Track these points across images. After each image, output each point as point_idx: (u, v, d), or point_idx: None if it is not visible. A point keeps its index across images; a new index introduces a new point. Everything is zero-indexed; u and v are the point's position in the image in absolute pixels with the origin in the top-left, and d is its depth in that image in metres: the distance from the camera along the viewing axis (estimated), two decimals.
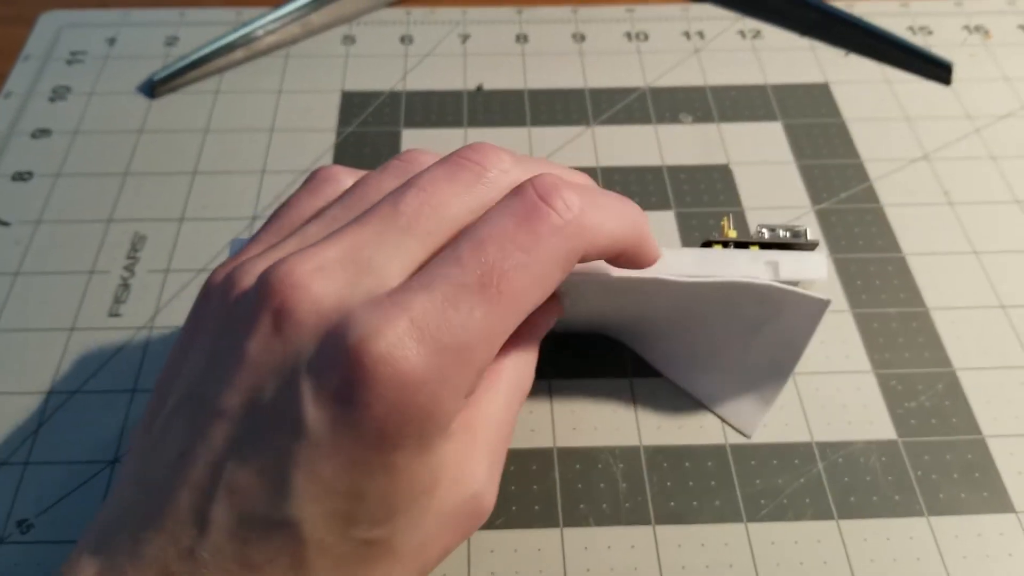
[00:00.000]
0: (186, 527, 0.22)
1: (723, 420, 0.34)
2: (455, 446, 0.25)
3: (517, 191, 0.24)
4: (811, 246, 0.31)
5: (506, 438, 0.27)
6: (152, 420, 0.25)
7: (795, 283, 0.30)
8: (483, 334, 0.23)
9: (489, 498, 0.26)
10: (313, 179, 0.28)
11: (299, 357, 0.22)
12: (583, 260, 0.25)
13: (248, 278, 0.24)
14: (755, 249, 0.31)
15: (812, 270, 0.30)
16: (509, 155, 0.26)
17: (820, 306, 0.30)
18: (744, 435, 0.33)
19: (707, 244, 0.31)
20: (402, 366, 0.21)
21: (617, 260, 0.27)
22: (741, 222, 0.40)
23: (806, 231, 0.31)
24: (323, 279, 0.23)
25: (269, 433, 0.22)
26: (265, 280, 0.23)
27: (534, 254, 0.23)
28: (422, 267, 0.24)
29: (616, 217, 0.26)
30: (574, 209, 0.24)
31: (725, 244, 0.31)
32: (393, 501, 0.23)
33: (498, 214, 0.24)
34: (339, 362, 0.22)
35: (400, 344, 0.22)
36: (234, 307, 0.24)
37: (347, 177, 0.28)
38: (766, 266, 0.30)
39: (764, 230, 0.32)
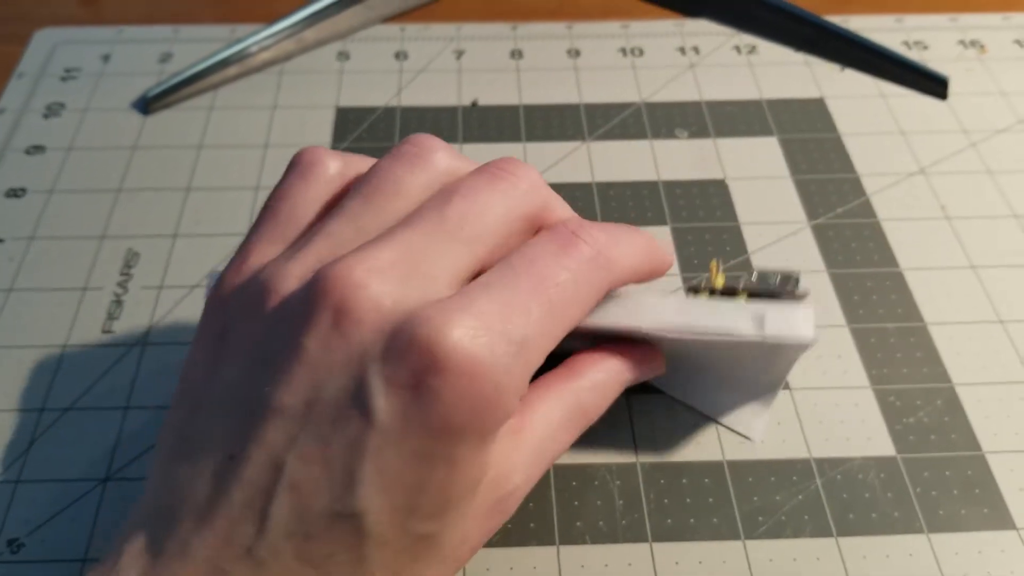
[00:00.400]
0: (242, 526, 0.22)
1: (728, 428, 0.33)
2: (500, 446, 0.25)
3: (554, 228, 0.27)
4: (800, 297, 0.31)
5: (553, 450, 0.28)
6: (184, 427, 0.25)
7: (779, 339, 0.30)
8: (538, 333, 0.24)
9: (518, 498, 0.27)
10: (299, 164, 0.28)
11: (365, 352, 0.23)
12: (609, 290, 0.27)
13: (285, 280, 0.25)
14: (742, 298, 0.31)
15: (799, 327, 0.30)
16: (537, 172, 0.28)
17: (804, 346, 0.30)
18: (751, 439, 0.33)
19: (693, 290, 0.32)
20: (472, 357, 0.23)
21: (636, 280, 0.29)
22: (737, 237, 0.40)
23: (798, 279, 0.31)
24: (381, 279, 0.23)
25: (334, 427, 0.23)
26: (320, 280, 0.24)
27: (575, 275, 0.26)
28: (471, 274, 0.25)
29: (634, 250, 0.28)
30: (600, 244, 0.27)
31: (712, 291, 0.31)
32: (449, 494, 0.24)
33: (541, 241, 0.26)
34: (411, 352, 0.22)
35: (469, 336, 0.23)
36: (278, 309, 0.24)
37: (332, 160, 0.28)
38: (752, 321, 0.30)
39: (755, 275, 0.31)
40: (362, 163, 0.29)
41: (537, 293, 0.25)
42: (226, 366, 0.25)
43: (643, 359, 0.31)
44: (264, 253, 0.26)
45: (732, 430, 0.34)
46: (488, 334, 0.23)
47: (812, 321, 0.30)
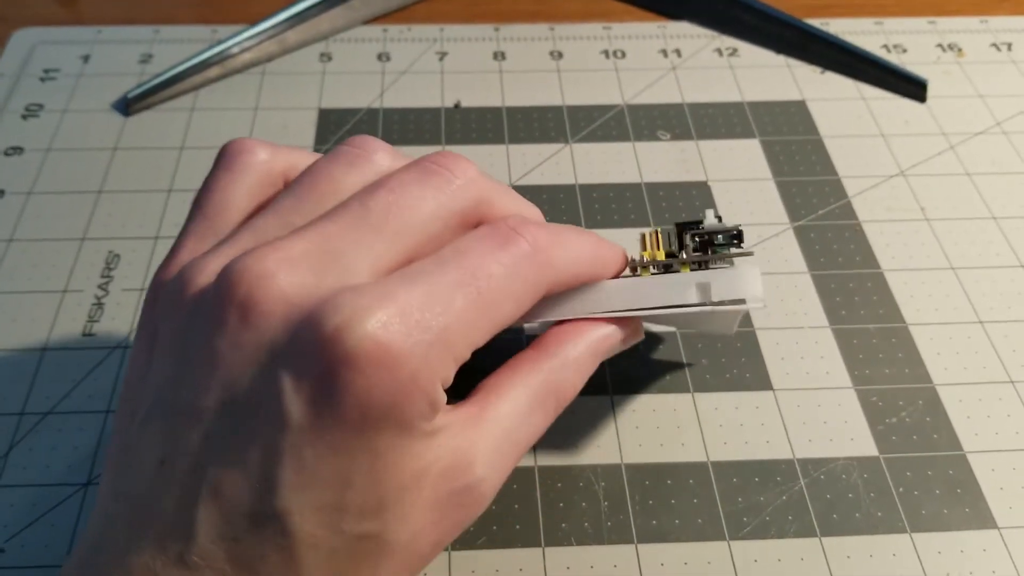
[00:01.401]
0: (173, 534, 0.22)
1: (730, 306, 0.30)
2: (451, 437, 0.24)
3: (493, 223, 0.26)
4: (746, 255, 0.30)
5: (525, 436, 0.27)
6: (124, 434, 0.24)
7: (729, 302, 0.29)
8: (461, 322, 0.23)
9: (485, 491, 0.25)
10: (225, 155, 0.27)
11: (272, 347, 0.22)
12: (549, 291, 0.27)
13: (202, 275, 0.24)
14: (685, 271, 0.30)
15: (747, 288, 0.29)
16: (475, 167, 0.27)
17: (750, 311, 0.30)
18: (762, 306, 0.29)
19: (633, 268, 0.31)
20: (384, 346, 0.22)
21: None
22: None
23: (740, 233, 0.30)
24: (290, 270, 0.23)
25: (248, 428, 0.22)
26: (227, 273, 0.23)
27: (510, 270, 0.25)
28: (395, 269, 0.24)
29: (579, 251, 0.28)
30: (540, 242, 0.26)
31: (656, 266, 0.30)
32: (380, 490, 0.23)
33: (476, 235, 0.25)
34: (317, 347, 0.22)
35: (381, 324, 0.22)
36: (194, 306, 0.24)
37: (259, 149, 0.27)
38: (697, 289, 0.29)
39: (696, 238, 0.30)
40: (291, 153, 0.28)
41: (463, 284, 0.24)
42: (155, 368, 0.24)
43: (619, 326, 0.29)
44: (193, 250, 0.26)
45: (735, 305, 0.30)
46: (402, 322, 0.22)
47: (759, 280, 0.29)
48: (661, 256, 0.31)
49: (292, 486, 0.22)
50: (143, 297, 0.37)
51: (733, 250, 0.30)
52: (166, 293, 0.25)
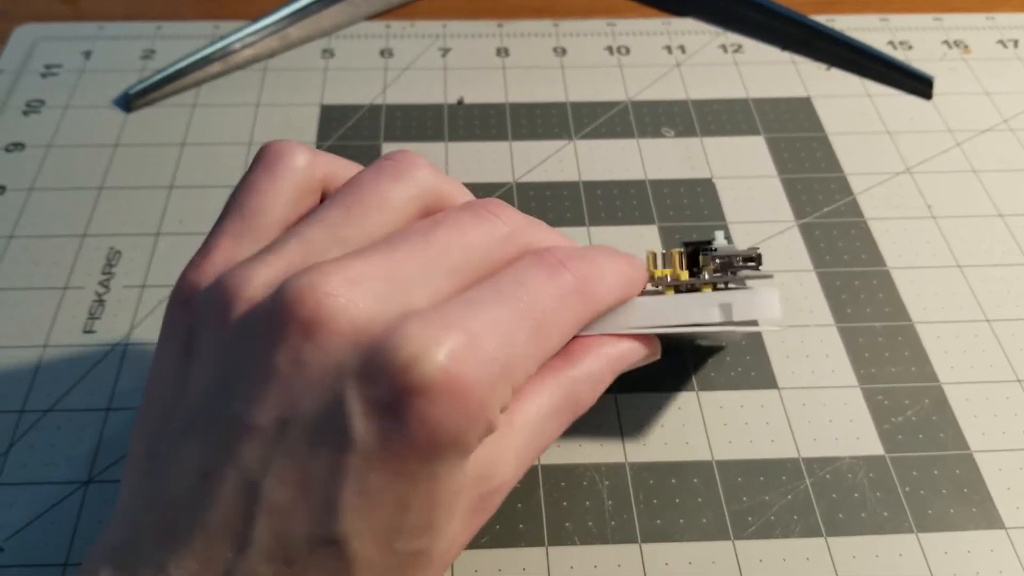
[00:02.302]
0: (221, 549, 0.22)
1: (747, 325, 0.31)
2: (486, 446, 0.24)
3: (540, 254, 0.26)
4: (765, 277, 0.31)
5: (543, 443, 0.27)
6: (153, 439, 0.24)
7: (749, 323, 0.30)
8: (523, 355, 0.24)
9: (505, 493, 0.26)
10: (265, 157, 0.27)
11: (339, 369, 0.22)
12: (589, 320, 0.28)
13: (251, 286, 0.23)
14: (707, 291, 0.30)
15: (766, 310, 0.29)
16: (520, 215, 0.28)
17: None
18: (776, 322, 0.32)
19: (657, 287, 0.31)
20: (457, 378, 0.22)
21: None
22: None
23: (759, 257, 0.31)
24: (356, 292, 0.22)
25: (310, 448, 0.22)
26: (290, 289, 0.22)
27: (560, 303, 0.25)
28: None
29: (616, 281, 0.28)
30: (585, 276, 0.27)
31: (677, 288, 0.31)
32: (434, 510, 0.23)
33: (529, 266, 0.26)
34: (389, 374, 0.22)
35: (451, 357, 0.22)
36: (245, 318, 0.23)
37: (300, 153, 0.27)
38: (719, 309, 0.29)
39: (716, 259, 0.31)
40: (331, 161, 0.28)
41: (524, 316, 0.24)
42: (194, 377, 0.24)
43: (640, 343, 0.30)
44: (230, 251, 0.25)
45: (752, 326, 0.31)
46: (472, 354, 0.22)
47: (778, 307, 0.29)
48: (685, 276, 0.31)
49: (354, 509, 0.22)
50: (144, 294, 0.37)
51: (753, 273, 0.31)
52: (206, 298, 0.24)
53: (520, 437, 0.26)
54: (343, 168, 0.28)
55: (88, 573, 0.22)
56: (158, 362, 0.25)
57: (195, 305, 0.25)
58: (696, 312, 0.30)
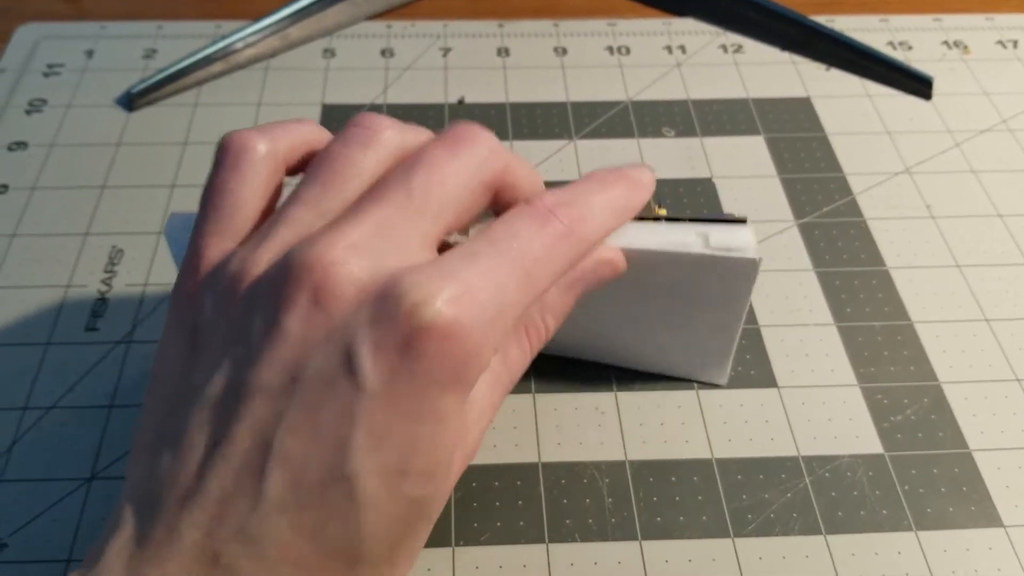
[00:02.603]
0: (234, 505, 0.23)
1: (693, 379, 0.35)
2: (467, 410, 0.26)
3: (532, 203, 0.27)
4: (740, 220, 0.31)
5: (508, 389, 0.29)
6: (160, 427, 0.25)
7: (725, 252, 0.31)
8: (514, 302, 0.25)
9: (475, 450, 0.28)
10: (227, 153, 0.28)
11: (347, 325, 0.23)
12: (580, 258, 0.28)
13: (256, 267, 0.25)
14: (686, 223, 0.31)
15: (741, 241, 0.31)
16: (493, 135, 0.28)
17: (752, 266, 0.31)
18: (718, 384, 0.35)
19: (639, 219, 0.32)
20: (456, 322, 0.23)
21: None
22: None
23: (744, 219, 0.32)
24: (357, 255, 0.24)
25: (322, 396, 0.23)
26: (294, 261, 0.24)
27: (551, 251, 0.26)
28: (438, 243, 0.26)
29: (607, 215, 0.29)
30: (576, 222, 0.27)
31: (657, 219, 0.32)
32: (438, 454, 0.24)
33: (520, 216, 0.27)
34: (395, 320, 0.23)
35: (451, 303, 0.23)
36: (252, 295, 0.24)
37: (261, 142, 0.28)
38: (697, 237, 0.31)
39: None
40: (287, 135, 0.28)
41: (515, 266, 0.25)
42: (202, 359, 0.25)
43: (597, 263, 0.30)
44: (220, 247, 0.26)
45: (697, 380, 0.35)
46: (469, 300, 0.24)
47: (752, 238, 0.31)
48: (663, 212, 0.32)
49: (365, 449, 0.23)
50: (146, 292, 0.37)
51: (728, 217, 0.32)
52: (210, 288, 0.25)
53: (487, 411, 0.28)
54: (301, 135, 0.29)
55: (98, 551, 0.23)
56: (163, 360, 0.26)
57: (198, 298, 0.25)
58: (675, 236, 0.31)
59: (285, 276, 0.24)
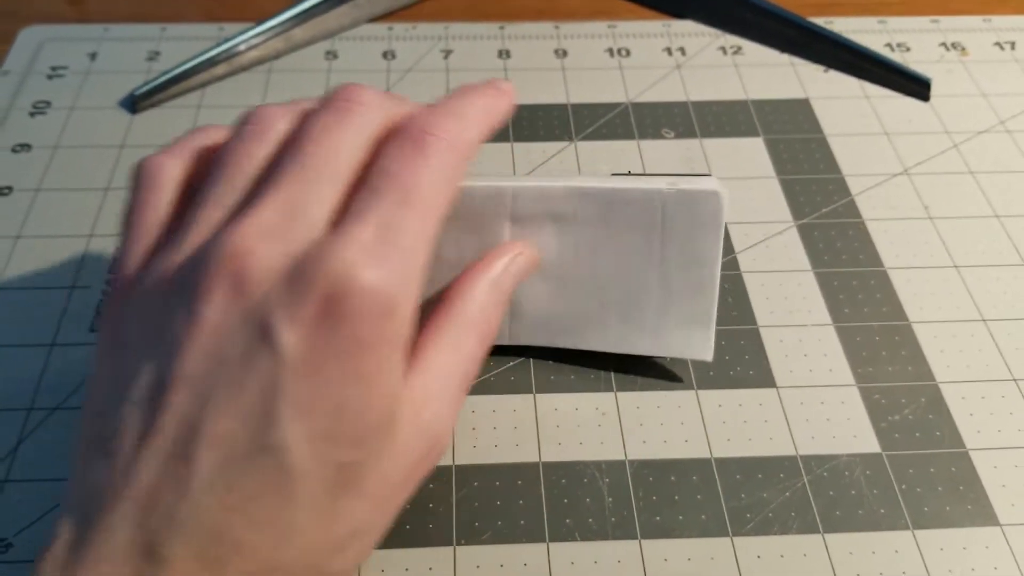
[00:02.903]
0: (164, 493, 0.23)
1: (678, 357, 0.35)
2: (414, 383, 0.27)
3: (404, 129, 0.28)
4: (705, 175, 0.33)
5: (464, 381, 0.29)
6: (92, 431, 0.25)
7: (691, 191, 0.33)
8: (417, 236, 0.26)
9: (447, 438, 0.28)
10: (144, 178, 0.28)
11: (265, 304, 0.24)
12: (466, 162, 0.29)
13: (171, 269, 0.25)
14: (655, 176, 0.33)
15: (706, 184, 0.32)
16: (373, 89, 0.29)
17: (715, 201, 0.32)
18: (704, 360, 0.35)
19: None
20: (367, 278, 0.24)
21: None
22: (725, 237, 0.40)
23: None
24: (266, 238, 0.25)
25: (244, 375, 0.24)
26: (207, 255, 0.25)
27: (435, 171, 0.27)
28: (343, 207, 0.26)
29: (480, 120, 0.29)
30: (450, 133, 0.28)
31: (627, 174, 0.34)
32: (367, 417, 0.25)
33: (394, 149, 0.27)
34: (311, 289, 0.24)
35: (361, 260, 0.24)
36: (169, 296, 0.25)
37: (172, 163, 0.28)
38: (664, 182, 0.32)
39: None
40: (192, 142, 0.29)
41: (405, 204, 0.26)
42: (127, 364, 0.25)
43: (515, 255, 0.32)
44: (143, 257, 0.27)
45: (682, 358, 0.35)
46: (376, 257, 0.24)
47: (718, 184, 0.32)
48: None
49: (290, 418, 0.23)
50: None
51: (693, 174, 0.34)
52: (128, 298, 0.26)
53: (442, 380, 0.28)
54: (205, 138, 0.30)
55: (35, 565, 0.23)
56: (93, 376, 0.26)
57: (121, 309, 0.26)
58: (642, 182, 0.33)
59: (200, 271, 0.24)
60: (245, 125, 0.28)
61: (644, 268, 0.33)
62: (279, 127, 0.28)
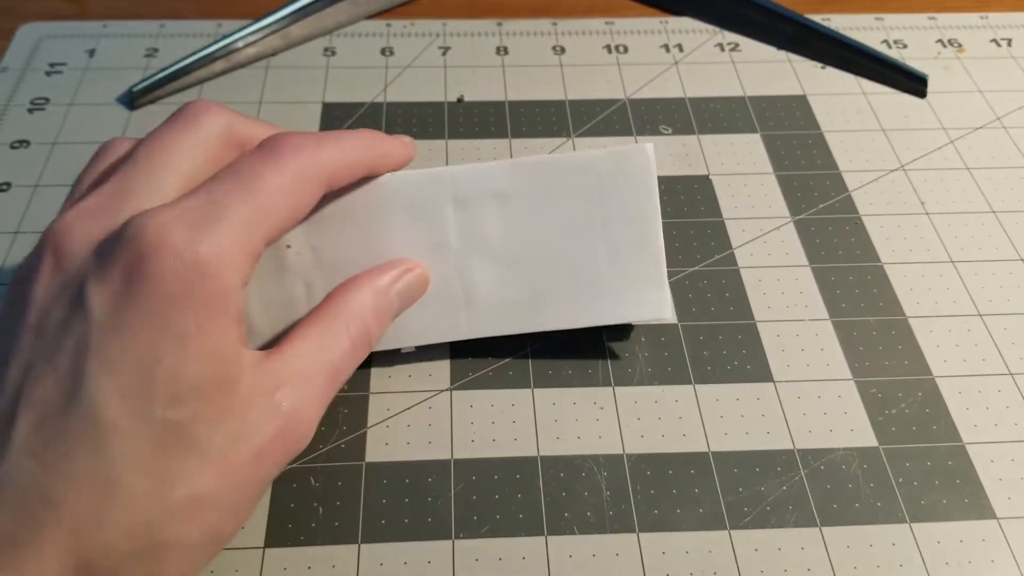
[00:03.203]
0: None
1: (639, 322, 0.36)
2: (270, 365, 0.27)
3: (266, 140, 0.29)
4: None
5: (332, 376, 0.29)
6: None
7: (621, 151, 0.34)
8: (247, 221, 0.27)
9: (306, 427, 0.28)
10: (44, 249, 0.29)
11: (80, 271, 0.26)
12: (330, 184, 0.30)
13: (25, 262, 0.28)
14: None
15: (636, 147, 0.34)
16: (219, 105, 0.30)
17: (644, 155, 0.34)
18: (666, 320, 0.35)
19: None
20: (178, 237, 0.25)
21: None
22: (722, 232, 0.40)
23: None
24: (88, 217, 0.26)
25: (58, 339, 0.25)
26: (41, 239, 0.27)
27: (277, 170, 0.28)
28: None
29: (346, 146, 0.31)
30: (305, 146, 0.29)
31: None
32: (186, 375, 0.25)
33: (245, 155, 0.29)
34: (117, 251, 0.25)
35: (172, 223, 0.25)
36: (15, 282, 0.27)
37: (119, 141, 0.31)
38: (596, 149, 0.34)
39: None
40: (94, 169, 0.31)
41: (236, 186, 0.27)
42: None
43: (396, 274, 0.33)
44: None
45: (644, 323, 0.36)
46: (183, 220, 0.25)
47: (650, 143, 0.34)
48: None
49: (98, 374, 0.24)
50: None
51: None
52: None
53: (307, 368, 0.28)
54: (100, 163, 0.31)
55: None
56: None
57: None
58: (581, 155, 0.34)
59: (30, 256, 0.27)
60: (99, 150, 0.31)
61: (589, 235, 0.34)
62: (126, 146, 0.30)
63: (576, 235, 0.34)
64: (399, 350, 0.35)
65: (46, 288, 0.26)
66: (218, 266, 0.25)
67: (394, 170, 0.33)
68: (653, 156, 0.34)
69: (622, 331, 0.36)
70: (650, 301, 0.35)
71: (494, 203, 0.34)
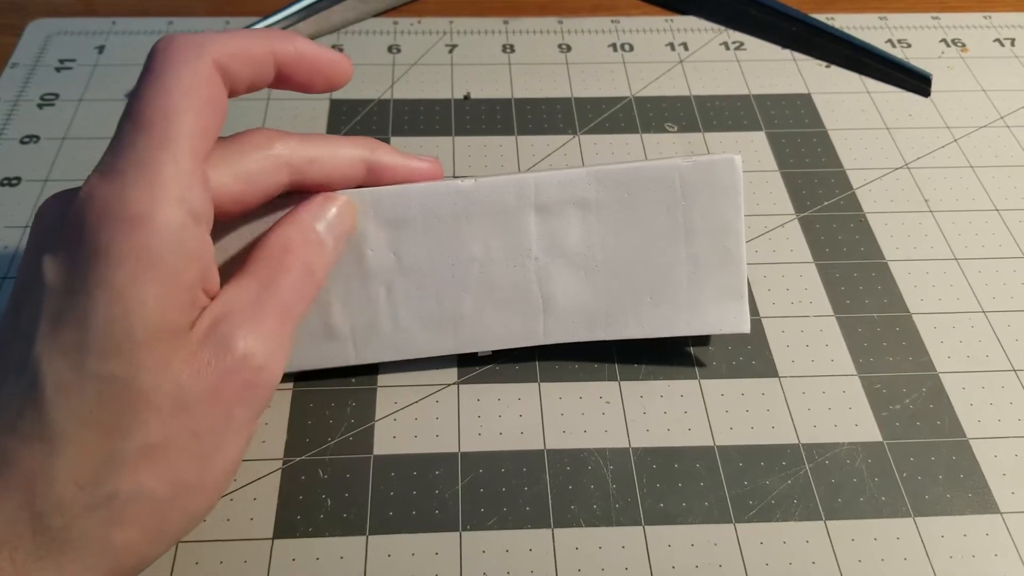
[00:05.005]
0: None
1: (715, 331, 0.35)
2: (211, 312, 0.27)
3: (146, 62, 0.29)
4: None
5: (282, 314, 0.29)
6: None
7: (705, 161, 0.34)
8: (173, 173, 0.26)
9: (259, 363, 0.27)
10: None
11: (43, 241, 0.27)
12: (229, 74, 0.30)
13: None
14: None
15: (723, 157, 0.33)
16: (196, 44, 0.29)
17: (732, 167, 0.33)
18: (742, 332, 0.35)
19: None
20: (101, 190, 0.25)
21: (288, 78, 0.32)
22: None
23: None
24: (55, 196, 0.28)
25: (23, 302, 0.26)
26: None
27: (153, 77, 0.27)
28: None
29: (240, 35, 0.30)
30: (190, 43, 0.29)
31: None
32: (120, 328, 0.25)
33: (138, 83, 0.28)
34: (66, 215, 0.26)
35: (99, 180, 0.26)
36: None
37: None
38: (679, 159, 0.33)
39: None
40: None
41: (136, 126, 0.26)
42: None
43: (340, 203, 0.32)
44: None
45: (722, 334, 0.36)
46: (111, 176, 0.26)
47: (737, 155, 0.34)
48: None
49: (46, 334, 0.25)
50: None
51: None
52: None
53: (255, 317, 0.28)
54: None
55: None
56: None
57: None
58: (658, 161, 0.33)
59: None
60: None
61: (671, 245, 0.34)
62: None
63: (657, 245, 0.34)
64: (475, 354, 0.35)
65: (29, 257, 0.27)
66: (147, 217, 0.25)
67: (329, 79, 0.32)
68: (741, 167, 0.33)
69: None
70: (730, 314, 0.35)
71: (576, 211, 0.33)
